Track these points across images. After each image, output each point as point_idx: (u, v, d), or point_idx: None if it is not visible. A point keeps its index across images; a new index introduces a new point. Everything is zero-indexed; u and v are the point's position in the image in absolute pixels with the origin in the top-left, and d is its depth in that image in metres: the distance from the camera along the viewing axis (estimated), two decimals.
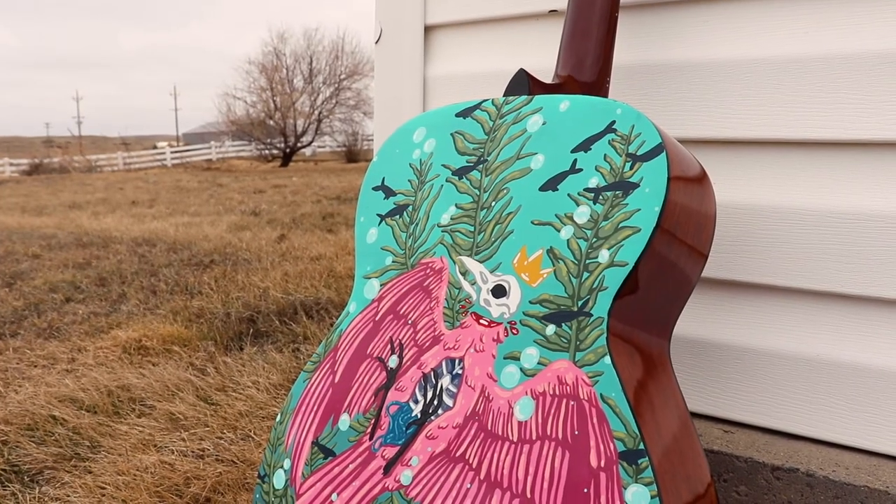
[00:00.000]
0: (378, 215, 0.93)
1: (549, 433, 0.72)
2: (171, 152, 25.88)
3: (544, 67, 1.03)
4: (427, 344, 0.83)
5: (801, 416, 1.02)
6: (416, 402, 0.81)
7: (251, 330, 2.40)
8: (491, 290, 0.80)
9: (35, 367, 2.09)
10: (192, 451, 1.49)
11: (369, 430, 0.84)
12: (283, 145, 22.77)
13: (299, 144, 23.42)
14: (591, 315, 0.73)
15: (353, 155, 24.11)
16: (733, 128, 1.02)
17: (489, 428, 0.75)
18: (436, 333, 0.83)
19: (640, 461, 0.67)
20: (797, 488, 0.96)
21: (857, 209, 0.96)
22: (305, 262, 3.55)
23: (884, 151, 0.95)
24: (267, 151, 23.70)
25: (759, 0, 1.00)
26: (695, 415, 1.10)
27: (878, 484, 0.92)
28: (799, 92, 0.98)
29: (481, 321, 0.80)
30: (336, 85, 23.75)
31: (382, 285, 0.90)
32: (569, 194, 0.77)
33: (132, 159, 24.05)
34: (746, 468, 1.00)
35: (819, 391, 1.00)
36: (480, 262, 0.82)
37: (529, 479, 0.72)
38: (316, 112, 23.43)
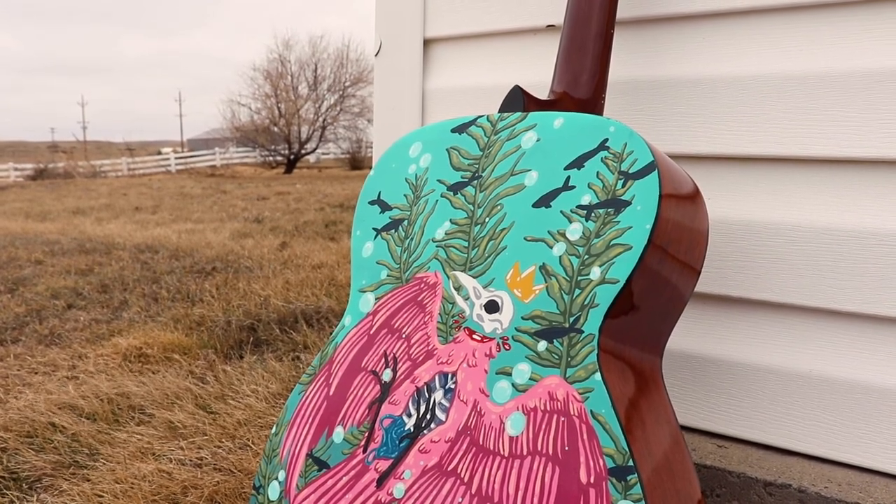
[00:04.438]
0: (374, 229, 0.93)
1: (539, 448, 0.73)
2: (176, 158, 25.96)
3: (542, 82, 1.03)
4: (421, 358, 0.84)
5: (794, 431, 1.03)
6: (410, 415, 0.82)
7: (251, 338, 2.40)
8: (484, 306, 0.81)
9: (36, 373, 2.10)
10: (191, 460, 1.49)
11: (363, 442, 0.84)
12: (287, 152, 22.85)
13: (303, 151, 23.49)
14: (583, 332, 0.73)
15: (357, 162, 24.17)
16: (728, 144, 1.03)
17: (481, 442, 0.76)
18: (429, 348, 0.83)
19: (629, 477, 0.68)
20: None
21: (852, 226, 0.96)
22: (307, 270, 3.56)
23: (878, 169, 0.95)
24: (271, 158, 23.78)
25: (756, 17, 1.01)
26: (689, 429, 1.10)
27: (870, 501, 0.93)
28: (794, 109, 0.98)
29: (474, 336, 0.81)
30: (340, 92, 23.85)
31: (377, 299, 0.91)
32: (561, 211, 0.78)
33: (136, 165, 24.13)
34: (739, 483, 1.00)
35: (812, 407, 1.01)
36: (474, 277, 0.82)
37: (520, 494, 0.72)
38: (320, 119, 23.52)
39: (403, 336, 0.86)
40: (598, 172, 0.77)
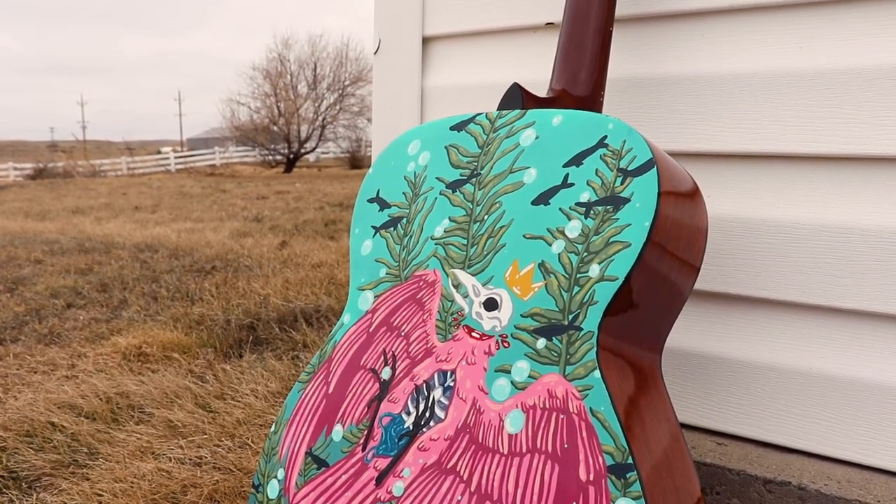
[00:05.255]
0: (373, 227, 0.93)
1: (538, 446, 0.73)
2: (175, 157, 25.95)
3: (541, 79, 1.03)
4: (420, 356, 0.84)
5: (793, 428, 1.03)
6: (409, 413, 0.82)
7: (251, 337, 2.40)
8: (483, 303, 0.81)
9: (35, 373, 2.10)
10: (190, 459, 1.49)
11: (362, 441, 0.84)
12: (286, 151, 22.86)
13: (303, 150, 23.50)
14: (582, 329, 0.73)
15: (357, 161, 24.16)
16: (728, 141, 1.03)
17: (480, 440, 0.76)
18: (428, 345, 0.83)
19: (628, 475, 0.68)
20: (789, 501, 0.97)
21: (851, 223, 0.96)
22: (306, 269, 3.55)
23: (877, 166, 0.95)
24: (271, 157, 23.79)
25: (755, 14, 1.01)
26: (688, 427, 1.10)
27: (870, 498, 0.92)
28: (793, 106, 0.98)
29: (473, 334, 0.80)
30: (340, 91, 23.86)
31: (376, 297, 0.90)
32: (560, 208, 0.78)
33: (136, 164, 24.11)
34: (739, 481, 1.00)
35: (812, 404, 1.01)
36: (473, 275, 0.82)
37: (519, 491, 0.72)
38: (320, 118, 23.53)
39: (402, 334, 0.86)
40: (596, 170, 0.77)
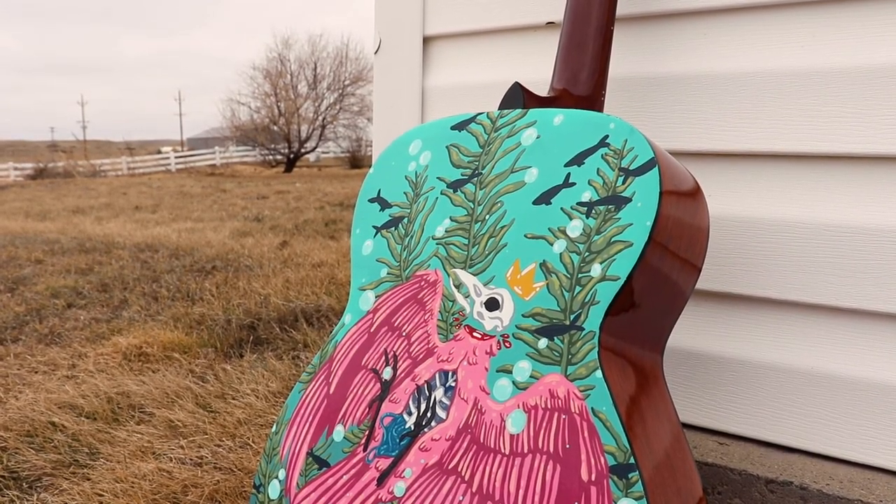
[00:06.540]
0: (374, 227, 0.93)
1: (540, 446, 0.72)
2: (176, 157, 25.94)
3: (542, 79, 1.03)
4: (421, 356, 0.83)
5: (795, 428, 1.02)
6: (410, 413, 0.82)
7: (251, 337, 2.40)
8: (484, 303, 0.80)
9: (36, 373, 2.09)
10: (191, 459, 1.49)
11: (363, 441, 0.84)
12: (286, 151, 22.86)
13: (303, 150, 23.51)
14: (583, 329, 0.73)
15: (357, 161, 24.16)
16: (729, 140, 1.03)
17: (481, 440, 0.76)
18: (430, 346, 0.83)
19: (630, 475, 0.68)
20: (791, 501, 0.97)
21: (852, 223, 0.96)
22: (307, 268, 3.55)
23: (878, 165, 0.95)
24: (271, 157, 23.80)
25: (757, 14, 1.01)
26: (690, 427, 1.10)
27: (872, 498, 0.92)
28: (795, 105, 0.98)
29: (475, 334, 0.80)
30: (340, 91, 23.86)
31: (377, 297, 0.90)
32: (562, 208, 0.78)
33: (136, 164, 24.11)
34: (741, 481, 1.00)
35: (813, 404, 1.01)
36: (474, 274, 0.82)
37: (521, 492, 0.72)
38: (320, 118, 23.53)
39: (404, 334, 0.86)
40: (598, 169, 0.76)
